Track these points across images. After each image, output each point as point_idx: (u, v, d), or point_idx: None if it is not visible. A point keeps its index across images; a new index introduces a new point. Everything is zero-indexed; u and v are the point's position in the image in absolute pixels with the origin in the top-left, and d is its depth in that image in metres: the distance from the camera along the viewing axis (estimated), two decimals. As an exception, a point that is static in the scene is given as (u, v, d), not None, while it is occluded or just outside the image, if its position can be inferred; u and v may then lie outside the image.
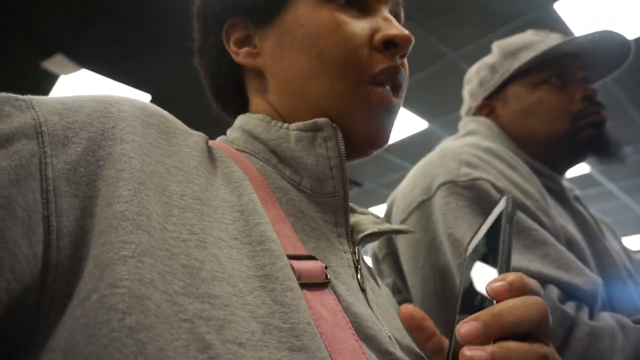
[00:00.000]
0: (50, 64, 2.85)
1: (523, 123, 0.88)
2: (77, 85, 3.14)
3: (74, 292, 0.25)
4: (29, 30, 2.62)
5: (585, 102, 0.85)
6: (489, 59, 0.97)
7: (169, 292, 0.26)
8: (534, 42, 0.89)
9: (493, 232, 0.37)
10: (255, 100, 0.51)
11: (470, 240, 0.43)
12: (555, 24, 2.59)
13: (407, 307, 0.41)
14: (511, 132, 0.90)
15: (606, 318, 0.59)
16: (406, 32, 0.45)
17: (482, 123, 0.92)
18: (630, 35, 2.59)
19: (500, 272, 0.32)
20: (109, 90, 3.21)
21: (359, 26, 0.45)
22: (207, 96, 0.58)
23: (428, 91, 3.23)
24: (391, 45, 0.45)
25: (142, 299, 0.24)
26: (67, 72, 2.96)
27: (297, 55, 0.45)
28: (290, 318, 0.29)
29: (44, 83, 3.10)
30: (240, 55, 0.50)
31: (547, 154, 0.86)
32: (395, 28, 0.45)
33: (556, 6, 2.47)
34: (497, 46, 0.95)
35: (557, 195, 0.84)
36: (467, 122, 0.97)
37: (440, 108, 3.43)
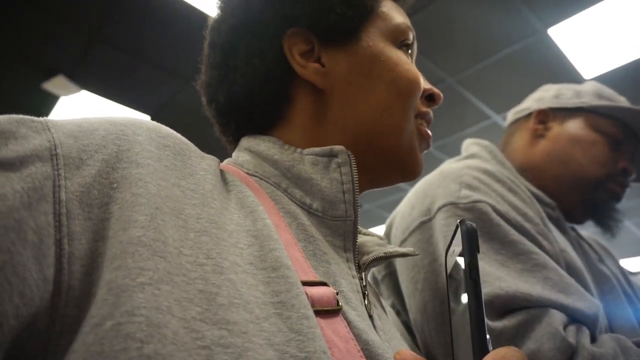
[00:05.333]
0: (50, 85, 2.87)
1: (566, 146, 0.90)
2: (77, 106, 3.16)
3: (85, 318, 0.25)
4: (30, 52, 2.66)
5: (622, 173, 0.89)
6: (576, 86, 0.98)
7: (186, 318, 0.26)
8: (623, 102, 0.93)
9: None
10: (297, 119, 0.48)
11: (446, 257, 0.37)
12: (550, 50, 2.64)
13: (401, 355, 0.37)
14: (535, 152, 0.91)
15: (607, 342, 0.58)
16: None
17: (485, 147, 0.93)
18: (623, 60, 2.64)
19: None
20: (108, 111, 3.23)
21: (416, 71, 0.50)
22: (209, 111, 0.53)
23: (425, 114, 3.26)
24: (431, 98, 0.52)
25: (160, 327, 0.23)
26: (67, 94, 2.98)
27: (376, 86, 0.47)
28: (307, 347, 0.29)
29: (43, 104, 3.12)
30: (308, 69, 0.47)
31: (558, 187, 0.87)
32: (432, 86, 0.52)
33: (550, 32, 2.51)
34: (590, 84, 0.98)
35: (555, 222, 0.84)
36: (469, 145, 0.97)
37: (436, 130, 3.45)
